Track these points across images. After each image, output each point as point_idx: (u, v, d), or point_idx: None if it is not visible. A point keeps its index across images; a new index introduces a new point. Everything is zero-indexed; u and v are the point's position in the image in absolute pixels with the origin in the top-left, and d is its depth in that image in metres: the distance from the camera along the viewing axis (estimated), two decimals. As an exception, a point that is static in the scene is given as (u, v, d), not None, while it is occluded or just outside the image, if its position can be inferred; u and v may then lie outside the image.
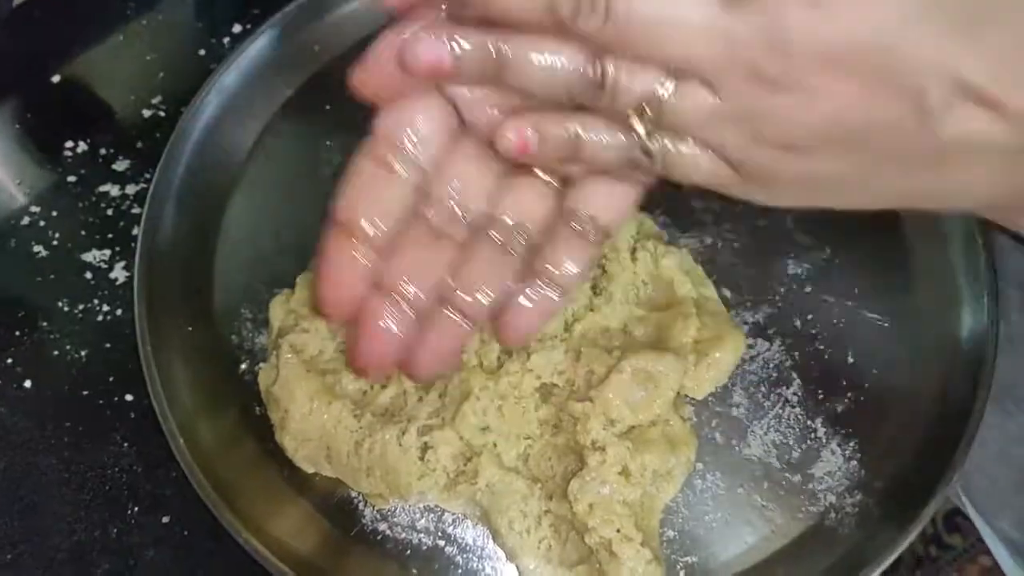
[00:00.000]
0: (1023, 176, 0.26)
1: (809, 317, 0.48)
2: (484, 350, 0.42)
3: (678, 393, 0.42)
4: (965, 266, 0.47)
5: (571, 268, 0.30)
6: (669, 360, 0.40)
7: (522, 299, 0.31)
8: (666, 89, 0.25)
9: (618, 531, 0.37)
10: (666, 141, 0.27)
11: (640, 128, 0.26)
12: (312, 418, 0.40)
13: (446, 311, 0.31)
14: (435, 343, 0.32)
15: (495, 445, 0.40)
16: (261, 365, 0.46)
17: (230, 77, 0.52)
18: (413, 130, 0.30)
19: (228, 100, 0.52)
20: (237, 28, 0.58)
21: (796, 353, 0.47)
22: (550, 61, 0.26)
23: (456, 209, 0.30)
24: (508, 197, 0.30)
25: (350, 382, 0.43)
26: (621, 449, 0.39)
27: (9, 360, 0.48)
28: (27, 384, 0.47)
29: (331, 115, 0.53)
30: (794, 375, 0.46)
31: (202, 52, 0.57)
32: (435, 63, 0.27)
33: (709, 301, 0.45)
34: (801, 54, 0.23)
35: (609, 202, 0.30)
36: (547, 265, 0.30)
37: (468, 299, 0.31)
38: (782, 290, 0.49)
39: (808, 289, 0.49)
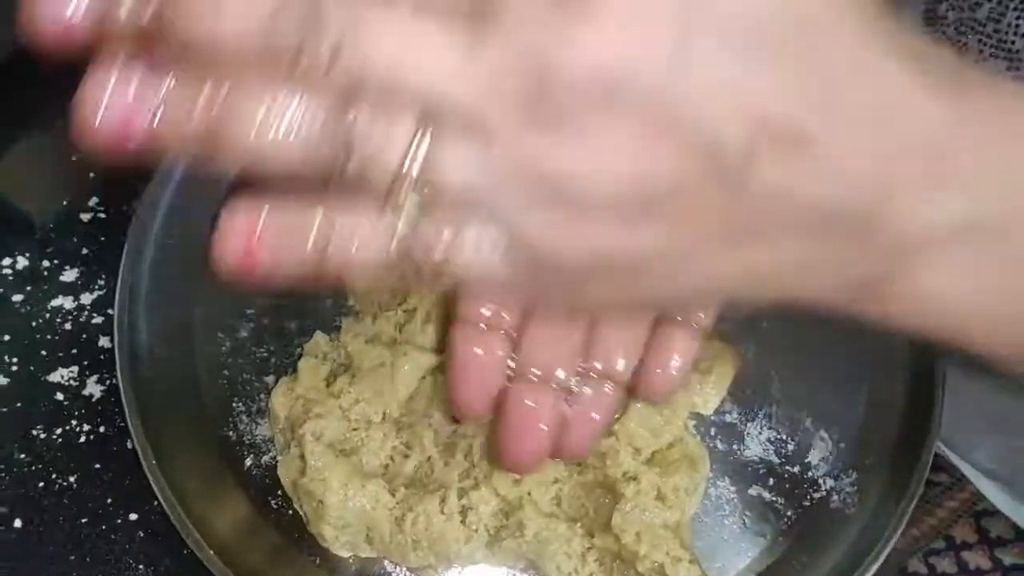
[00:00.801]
0: (870, 253, 0.23)
1: (774, 318, 0.52)
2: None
3: (685, 412, 0.44)
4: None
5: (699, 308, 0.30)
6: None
7: (664, 355, 0.30)
8: (426, 144, 0.21)
9: (667, 554, 0.40)
10: (442, 227, 0.22)
11: (407, 205, 0.22)
12: (350, 503, 0.40)
13: (593, 383, 0.30)
14: (588, 418, 0.30)
15: (530, 494, 0.42)
16: (269, 458, 0.46)
17: (176, 169, 0.51)
18: None
19: (180, 190, 0.51)
20: (163, 117, 0.57)
21: (771, 353, 0.51)
22: (279, 113, 0.20)
23: None
24: None
25: (372, 458, 0.43)
26: (652, 475, 0.41)
27: (-8, 502, 0.45)
28: (17, 524, 0.44)
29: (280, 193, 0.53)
30: (773, 373, 0.50)
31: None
32: (122, 124, 0.21)
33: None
34: (564, 86, 0.20)
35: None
36: (677, 314, 0.30)
37: (611, 367, 0.30)
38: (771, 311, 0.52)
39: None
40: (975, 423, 0.56)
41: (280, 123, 0.21)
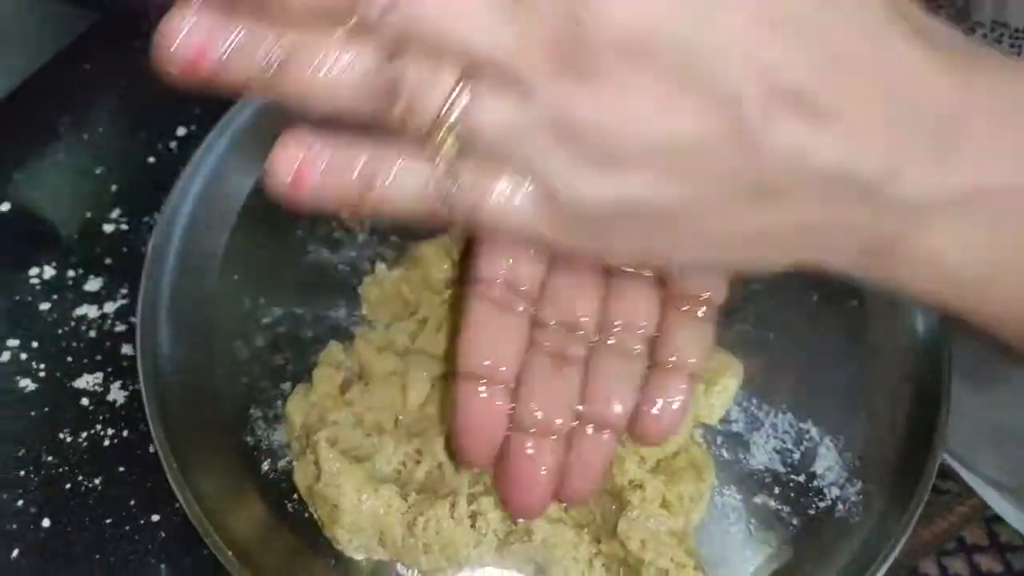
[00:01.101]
0: (876, 216, 0.24)
1: (780, 329, 0.53)
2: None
3: (691, 421, 0.45)
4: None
5: (692, 350, 0.32)
6: (683, 393, 0.43)
7: (659, 400, 0.32)
8: (466, 92, 0.23)
9: (672, 560, 0.41)
10: (476, 173, 0.24)
11: (445, 150, 0.24)
12: (363, 507, 0.42)
13: (590, 431, 0.32)
14: (587, 464, 0.32)
15: (538, 500, 0.43)
16: (285, 463, 0.47)
17: (195, 181, 0.53)
18: (519, 266, 0.31)
19: (199, 204, 0.52)
20: (182, 131, 0.58)
21: (776, 364, 0.51)
22: (334, 58, 0.23)
23: (569, 330, 0.31)
24: (614, 305, 0.32)
25: (385, 464, 0.44)
26: (657, 483, 0.42)
27: (20, 502, 0.46)
28: (45, 523, 0.46)
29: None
30: (779, 384, 0.50)
31: (151, 160, 0.57)
32: (196, 55, 0.24)
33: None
34: (594, 41, 0.21)
35: (707, 279, 0.32)
36: (670, 356, 0.32)
37: (607, 414, 0.32)
38: (751, 307, 0.53)
39: (771, 302, 0.53)
40: (980, 436, 0.57)
41: (334, 67, 0.23)
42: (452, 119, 0.23)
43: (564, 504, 0.41)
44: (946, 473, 0.76)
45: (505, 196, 0.24)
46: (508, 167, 0.24)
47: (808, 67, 0.22)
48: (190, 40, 0.24)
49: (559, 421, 0.31)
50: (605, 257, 0.28)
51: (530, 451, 0.31)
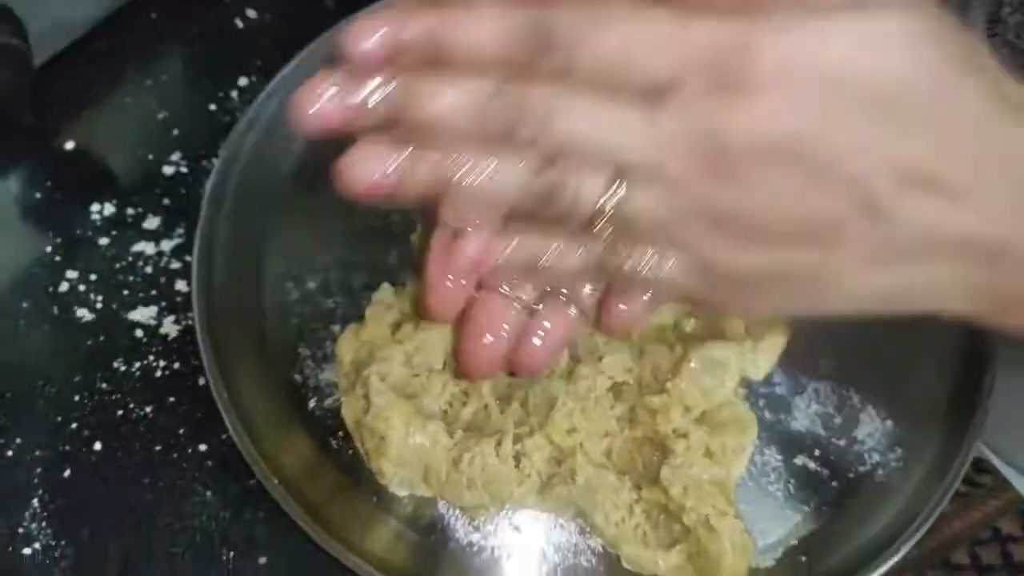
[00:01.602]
0: (1003, 273, 0.27)
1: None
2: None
3: (736, 377, 0.46)
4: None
5: None
6: (731, 347, 0.44)
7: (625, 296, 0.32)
8: (620, 190, 0.26)
9: (713, 507, 0.41)
10: (630, 248, 0.27)
11: (603, 235, 0.27)
12: (410, 440, 0.42)
13: (556, 301, 0.32)
14: (546, 332, 0.32)
15: (582, 445, 0.43)
16: (332, 401, 0.48)
17: (254, 128, 0.54)
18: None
19: (256, 148, 0.53)
20: (243, 81, 0.60)
21: (822, 329, 0.51)
22: (496, 172, 0.27)
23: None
24: None
25: (432, 402, 0.45)
26: (701, 433, 0.42)
27: (74, 425, 0.48)
28: (97, 447, 0.47)
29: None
30: (823, 349, 0.51)
31: (212, 107, 0.58)
32: (374, 185, 0.29)
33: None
34: (733, 148, 0.24)
35: None
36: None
37: (575, 293, 0.32)
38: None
39: (820, 272, 0.54)
40: (1020, 425, 0.57)
41: (497, 177, 0.27)
42: (609, 213, 0.26)
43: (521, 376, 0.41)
44: (982, 467, 0.75)
45: (660, 266, 0.28)
46: (660, 243, 0.27)
47: (934, 154, 0.24)
48: (369, 172, 0.29)
49: (526, 292, 0.32)
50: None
51: (493, 308, 0.32)
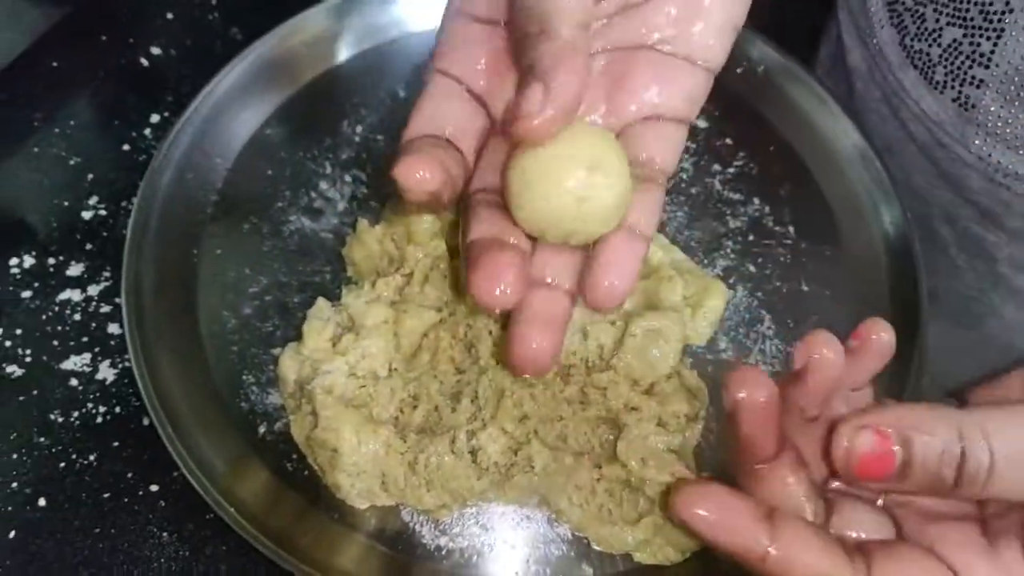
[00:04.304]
0: None
1: (759, 260, 0.54)
2: (499, 349, 0.45)
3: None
4: (869, 184, 0.55)
5: (648, 216, 0.32)
6: (671, 316, 0.44)
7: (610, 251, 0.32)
8: None
9: (673, 475, 0.41)
10: None
11: None
12: (363, 449, 0.42)
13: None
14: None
15: (536, 432, 0.43)
16: (280, 424, 0.47)
17: (171, 163, 0.53)
18: None
19: (175, 184, 0.53)
20: (155, 118, 0.59)
21: (759, 293, 0.52)
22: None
23: None
24: None
25: (382, 410, 0.44)
26: (652, 404, 0.43)
27: (14, 484, 0.46)
28: (41, 503, 0.45)
29: (275, 177, 0.55)
30: (763, 312, 0.52)
31: (126, 147, 0.57)
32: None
33: (681, 262, 0.49)
34: None
35: (663, 145, 0.33)
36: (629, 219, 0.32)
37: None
38: (729, 243, 0.54)
39: (751, 237, 0.55)
40: (977, 373, 0.59)
41: None
42: None
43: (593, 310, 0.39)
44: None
45: None
46: None
47: None
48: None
49: (567, 284, 0.32)
50: None
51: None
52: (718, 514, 0.27)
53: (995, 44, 0.49)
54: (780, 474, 0.29)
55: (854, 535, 0.29)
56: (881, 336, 0.30)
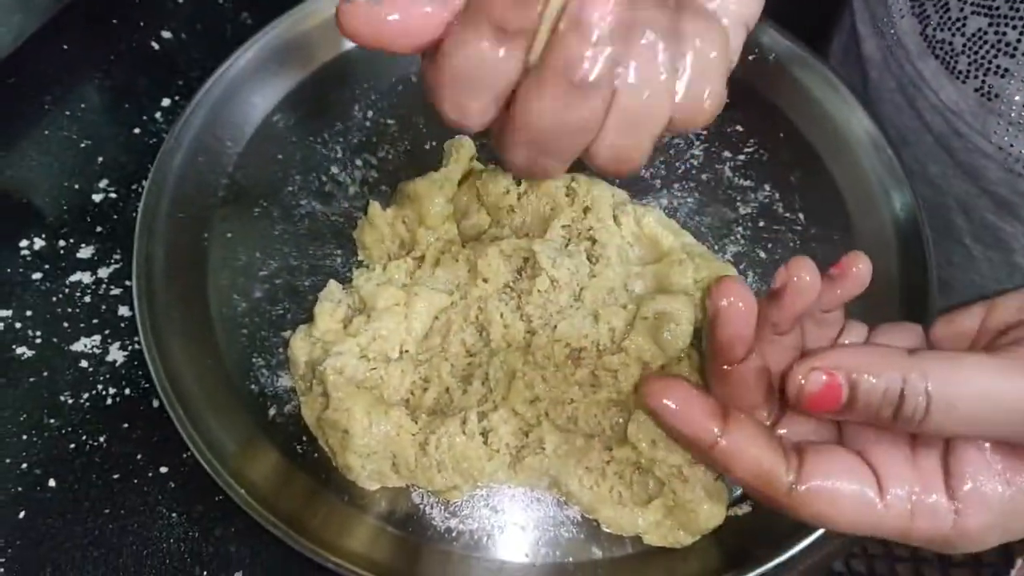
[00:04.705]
0: None
1: (769, 246, 0.54)
2: (510, 332, 0.45)
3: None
4: (880, 170, 0.55)
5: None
6: (682, 299, 0.44)
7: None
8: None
9: (683, 457, 0.41)
10: None
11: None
12: (374, 430, 0.42)
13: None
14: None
15: (547, 414, 0.43)
16: (290, 406, 0.47)
17: (183, 145, 0.53)
18: None
19: (186, 164, 0.53)
20: (166, 102, 0.59)
21: (769, 279, 0.52)
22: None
23: None
24: None
25: (393, 392, 0.44)
26: (663, 386, 0.42)
27: (24, 465, 0.46)
28: (51, 484, 0.45)
29: (286, 161, 0.55)
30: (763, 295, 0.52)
31: (137, 130, 0.57)
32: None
33: (692, 246, 0.49)
34: None
35: None
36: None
37: None
38: (739, 229, 0.54)
39: (761, 223, 0.55)
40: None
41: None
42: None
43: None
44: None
45: None
46: None
47: None
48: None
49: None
50: None
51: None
52: (680, 405, 0.30)
53: (1022, 33, 0.49)
54: (743, 377, 0.31)
55: (797, 438, 0.32)
56: (860, 268, 0.33)
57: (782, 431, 0.33)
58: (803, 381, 0.29)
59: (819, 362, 0.29)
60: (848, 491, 0.30)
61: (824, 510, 0.30)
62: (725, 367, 0.32)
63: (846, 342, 0.35)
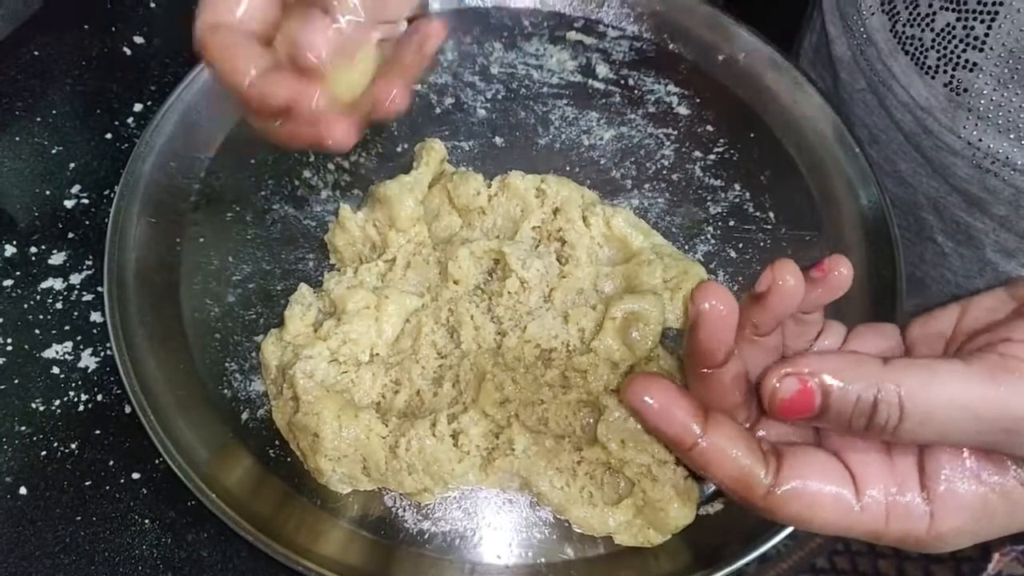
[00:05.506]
0: None
1: (739, 246, 0.54)
2: (480, 334, 0.45)
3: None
4: (848, 169, 0.56)
5: None
6: (651, 299, 0.44)
7: None
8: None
9: (653, 456, 0.41)
10: None
11: None
12: (344, 433, 0.42)
13: None
14: None
15: (517, 415, 0.43)
16: (263, 411, 0.47)
17: (154, 151, 0.53)
18: None
19: (158, 172, 0.53)
20: (138, 107, 0.59)
21: (740, 278, 0.53)
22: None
23: None
24: None
25: (364, 395, 0.44)
26: (632, 386, 0.43)
27: (-6, 473, 0.46)
28: (22, 491, 0.45)
29: (258, 166, 0.55)
30: (742, 296, 0.52)
31: (109, 136, 0.57)
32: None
33: (662, 247, 0.50)
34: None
35: None
36: None
37: None
38: (710, 229, 0.55)
39: (732, 223, 0.55)
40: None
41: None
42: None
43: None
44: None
45: None
46: None
47: None
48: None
49: None
50: None
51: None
52: (662, 404, 0.30)
53: (989, 27, 0.49)
54: (723, 380, 0.31)
55: (775, 438, 0.32)
56: (842, 271, 0.32)
57: (761, 433, 0.33)
58: (777, 386, 0.29)
59: (793, 368, 0.29)
60: (825, 493, 0.30)
61: (801, 512, 0.30)
62: (704, 371, 0.31)
63: (826, 343, 0.35)
